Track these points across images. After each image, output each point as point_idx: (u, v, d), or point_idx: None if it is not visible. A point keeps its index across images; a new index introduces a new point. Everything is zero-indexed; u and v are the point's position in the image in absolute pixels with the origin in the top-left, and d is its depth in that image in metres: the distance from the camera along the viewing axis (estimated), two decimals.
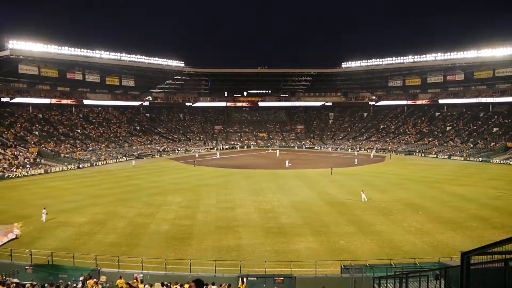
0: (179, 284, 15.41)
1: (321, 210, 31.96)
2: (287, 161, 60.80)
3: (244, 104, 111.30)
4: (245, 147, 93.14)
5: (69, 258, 19.79)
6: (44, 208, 28.95)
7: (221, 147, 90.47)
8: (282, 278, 17.42)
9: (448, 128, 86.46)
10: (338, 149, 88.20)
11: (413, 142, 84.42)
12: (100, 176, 51.23)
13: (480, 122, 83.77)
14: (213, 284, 15.20)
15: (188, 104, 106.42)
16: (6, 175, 50.09)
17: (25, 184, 45.34)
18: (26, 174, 52.52)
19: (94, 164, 63.28)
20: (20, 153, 59.29)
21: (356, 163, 62.24)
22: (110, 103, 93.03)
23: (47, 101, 78.85)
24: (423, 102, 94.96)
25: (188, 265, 18.98)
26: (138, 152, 76.13)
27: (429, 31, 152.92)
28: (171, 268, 19.07)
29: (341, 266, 18.87)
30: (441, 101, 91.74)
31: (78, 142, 73.47)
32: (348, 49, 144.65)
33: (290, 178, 48.41)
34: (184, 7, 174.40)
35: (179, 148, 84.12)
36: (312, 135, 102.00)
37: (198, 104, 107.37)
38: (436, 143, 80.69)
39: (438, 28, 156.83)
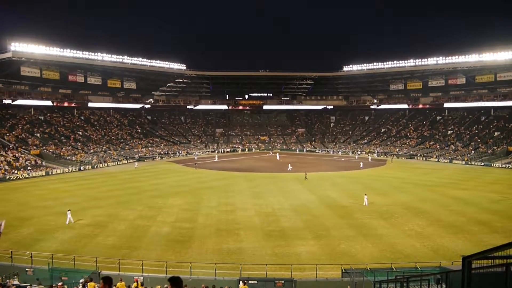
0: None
1: (321, 213, 31.91)
2: (289, 165, 60.74)
3: (245, 107, 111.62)
4: (246, 150, 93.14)
5: (69, 260, 19.77)
6: (69, 210, 29.03)
7: (222, 150, 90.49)
8: (283, 282, 17.40)
9: (449, 132, 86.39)
10: (339, 152, 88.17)
11: (414, 146, 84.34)
12: (101, 179, 51.26)
13: (481, 126, 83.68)
14: (214, 287, 15.18)
15: (189, 107, 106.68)
16: (7, 177, 50.16)
17: (26, 186, 45.35)
18: (27, 176, 52.55)
19: (95, 167, 63.37)
20: (22, 155, 59.38)
21: (361, 166, 62.09)
22: (112, 105, 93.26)
23: (48, 103, 79.11)
24: (425, 106, 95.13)
25: (189, 268, 18.93)
26: (139, 154, 76.21)
27: (430, 34, 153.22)
28: (172, 271, 19.02)
29: (342, 270, 18.84)
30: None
31: (79, 144, 73.54)
32: (350, 53, 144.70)
33: (290, 181, 48.37)
34: (185, 10, 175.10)
35: (180, 151, 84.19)
36: (313, 138, 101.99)
37: (199, 107, 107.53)
38: (438, 147, 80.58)
39: (440, 32, 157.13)
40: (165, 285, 15.56)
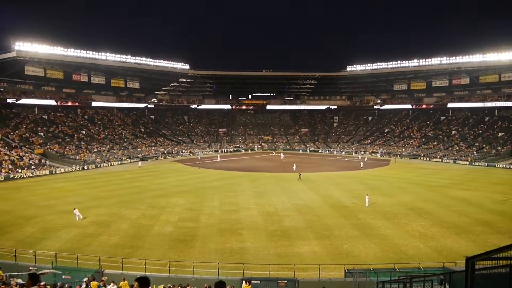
0: (181, 287, 15.40)
1: (324, 213, 31.86)
2: (294, 165, 60.68)
3: (248, 107, 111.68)
4: (250, 150, 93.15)
5: (73, 259, 19.85)
6: (75, 209, 29.20)
7: (225, 149, 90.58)
8: (286, 282, 17.40)
9: (453, 132, 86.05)
10: (343, 152, 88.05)
11: (418, 146, 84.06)
12: (104, 178, 51.41)
13: (485, 127, 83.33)
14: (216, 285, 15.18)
15: (192, 106, 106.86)
16: (11, 176, 50.41)
17: (30, 185, 45.55)
18: (31, 175, 52.80)
19: (98, 166, 63.57)
20: (26, 154, 59.65)
21: (361, 166, 61.95)
22: (115, 105, 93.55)
23: (52, 102, 79.46)
24: (428, 106, 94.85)
25: (192, 268, 18.97)
26: (143, 154, 76.39)
27: (434, 35, 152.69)
28: (174, 270, 19.06)
29: (344, 270, 18.82)
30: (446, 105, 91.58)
31: (83, 143, 73.81)
32: (353, 53, 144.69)
33: (293, 181, 48.33)
34: (189, 10, 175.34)
35: (183, 150, 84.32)
36: (316, 138, 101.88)
37: (202, 106, 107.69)
38: (441, 147, 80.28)
39: (444, 32, 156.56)
40: (168, 285, 15.60)
